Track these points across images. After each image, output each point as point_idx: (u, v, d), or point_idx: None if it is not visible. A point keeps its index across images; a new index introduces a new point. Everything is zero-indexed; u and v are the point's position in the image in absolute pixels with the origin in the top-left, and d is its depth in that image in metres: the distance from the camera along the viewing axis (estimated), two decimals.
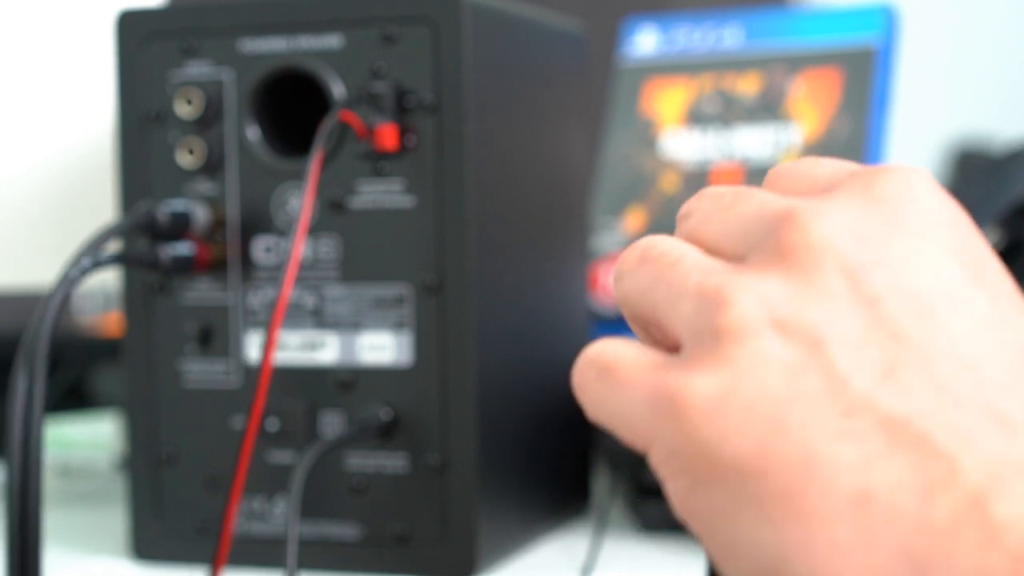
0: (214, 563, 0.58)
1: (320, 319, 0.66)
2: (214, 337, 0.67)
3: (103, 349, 0.96)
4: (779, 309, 0.31)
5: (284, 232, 0.66)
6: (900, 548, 0.28)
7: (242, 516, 0.67)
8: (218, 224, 0.66)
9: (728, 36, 0.91)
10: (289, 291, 0.65)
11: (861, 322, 0.31)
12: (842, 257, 0.31)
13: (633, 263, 0.35)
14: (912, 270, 0.31)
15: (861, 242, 0.32)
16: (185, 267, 0.65)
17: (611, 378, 0.33)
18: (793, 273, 0.31)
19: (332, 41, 0.65)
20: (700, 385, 0.31)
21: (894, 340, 0.30)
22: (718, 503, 0.30)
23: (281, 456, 0.66)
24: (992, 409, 0.29)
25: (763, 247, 0.32)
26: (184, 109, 0.66)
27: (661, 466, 0.32)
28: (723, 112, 0.89)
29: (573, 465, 0.75)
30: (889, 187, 0.33)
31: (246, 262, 0.66)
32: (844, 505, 0.28)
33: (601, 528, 0.71)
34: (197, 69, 0.67)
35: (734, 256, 0.34)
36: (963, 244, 0.32)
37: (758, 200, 0.34)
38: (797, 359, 0.30)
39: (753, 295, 0.31)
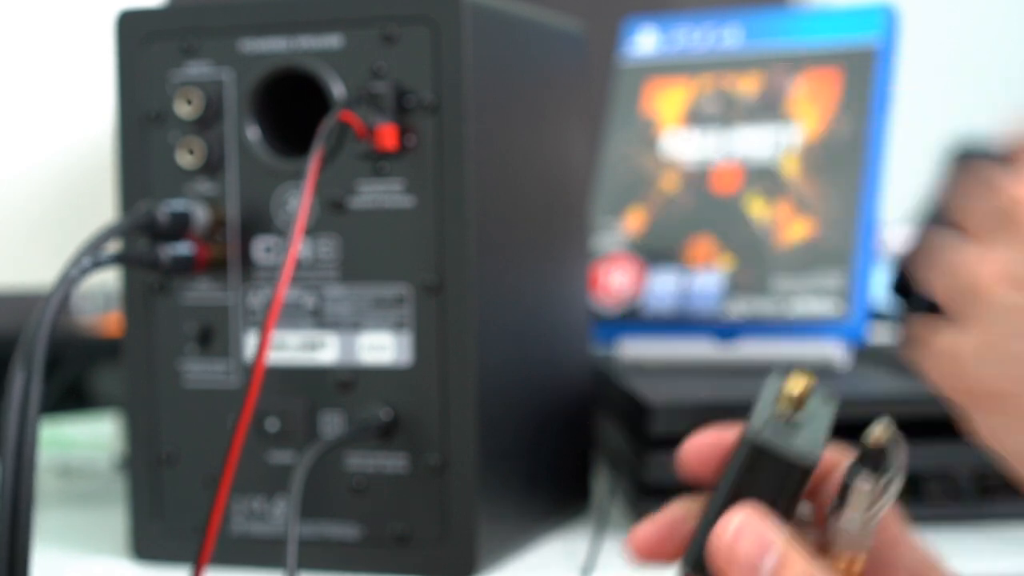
0: (198, 560, 0.58)
1: (320, 319, 0.66)
2: (214, 337, 0.67)
3: (103, 349, 0.96)
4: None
5: (284, 232, 0.66)
6: None
7: (242, 516, 0.67)
8: (218, 224, 0.66)
9: (728, 36, 0.91)
10: (285, 290, 0.65)
11: None
12: None
13: None
14: None
15: None
16: (185, 267, 0.65)
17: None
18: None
19: (332, 41, 0.65)
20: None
21: None
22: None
23: (281, 456, 0.66)
24: None
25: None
26: (184, 109, 0.66)
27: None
28: (723, 112, 0.89)
29: (573, 465, 0.75)
30: None
31: (246, 262, 0.66)
32: None
33: (601, 528, 0.71)
34: (197, 69, 0.67)
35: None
36: None
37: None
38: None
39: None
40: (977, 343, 0.41)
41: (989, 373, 0.40)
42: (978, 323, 0.41)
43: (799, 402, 0.43)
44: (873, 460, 0.42)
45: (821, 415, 0.45)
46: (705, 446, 0.46)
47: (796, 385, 0.43)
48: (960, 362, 0.41)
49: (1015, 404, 0.40)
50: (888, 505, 0.42)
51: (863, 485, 0.42)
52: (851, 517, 0.42)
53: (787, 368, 0.45)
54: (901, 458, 0.42)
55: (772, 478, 0.42)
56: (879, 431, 0.42)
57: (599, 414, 0.83)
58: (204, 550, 0.57)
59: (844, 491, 0.43)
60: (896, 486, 0.42)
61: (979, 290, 0.41)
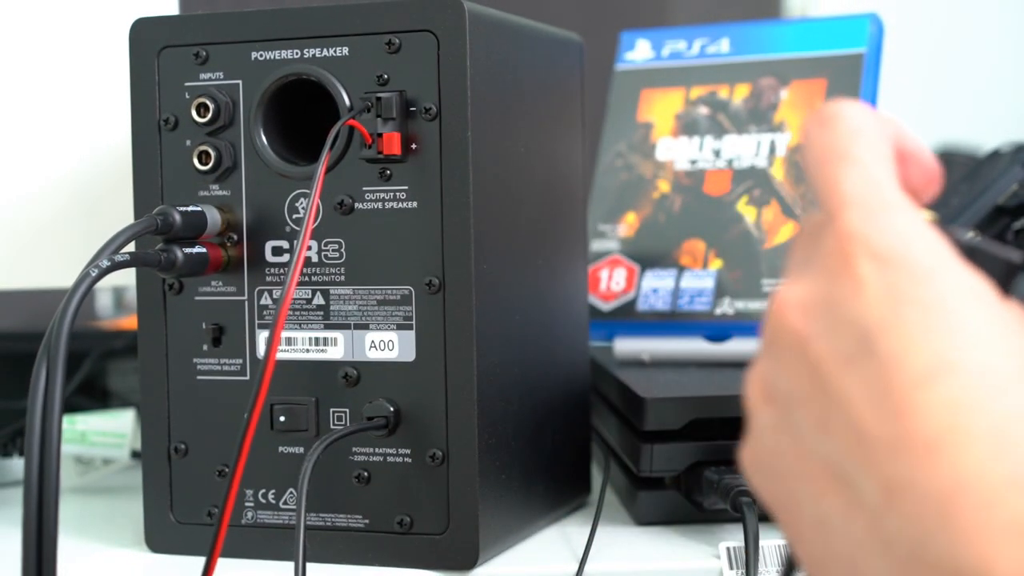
0: (211, 550, 0.59)
1: (328, 318, 0.68)
2: (226, 335, 0.69)
3: (124, 348, 0.98)
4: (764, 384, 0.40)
5: (294, 235, 0.68)
6: (848, 559, 0.36)
7: (252, 506, 0.69)
8: (230, 227, 0.69)
9: (720, 48, 0.94)
10: (294, 290, 0.68)
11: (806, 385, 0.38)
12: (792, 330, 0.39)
13: None
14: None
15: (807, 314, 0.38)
16: (199, 268, 0.67)
17: None
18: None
19: (340, 51, 0.67)
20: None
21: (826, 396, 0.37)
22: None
23: (290, 449, 0.68)
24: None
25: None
26: (197, 116, 0.69)
27: None
28: (715, 120, 0.92)
29: (573, 458, 0.77)
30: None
31: (257, 263, 0.69)
32: (809, 518, 0.37)
33: (600, 520, 0.73)
34: (210, 77, 0.69)
35: None
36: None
37: None
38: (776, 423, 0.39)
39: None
40: (746, 458, 0.40)
41: (758, 486, 0.39)
42: (747, 437, 0.40)
43: None
44: None
45: None
46: None
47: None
48: (744, 472, 0.40)
49: (780, 519, 0.39)
50: None
51: None
52: None
53: None
54: None
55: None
56: None
57: (595, 408, 0.85)
58: (217, 540, 0.59)
59: None
60: None
61: (747, 405, 0.40)
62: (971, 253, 0.40)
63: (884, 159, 0.40)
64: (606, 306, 0.89)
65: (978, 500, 0.33)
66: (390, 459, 0.67)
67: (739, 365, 0.83)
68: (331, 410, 0.68)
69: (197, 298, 0.70)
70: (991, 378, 0.35)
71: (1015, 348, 0.36)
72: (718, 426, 0.71)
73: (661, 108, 0.94)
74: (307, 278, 0.68)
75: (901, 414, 0.35)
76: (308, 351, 0.68)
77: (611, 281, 0.89)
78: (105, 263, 0.61)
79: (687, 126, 0.92)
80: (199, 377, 0.70)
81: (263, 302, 0.69)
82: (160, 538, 0.71)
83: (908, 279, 0.37)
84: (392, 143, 0.65)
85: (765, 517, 0.64)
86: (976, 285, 0.37)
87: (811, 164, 0.41)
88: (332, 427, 0.68)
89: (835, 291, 0.38)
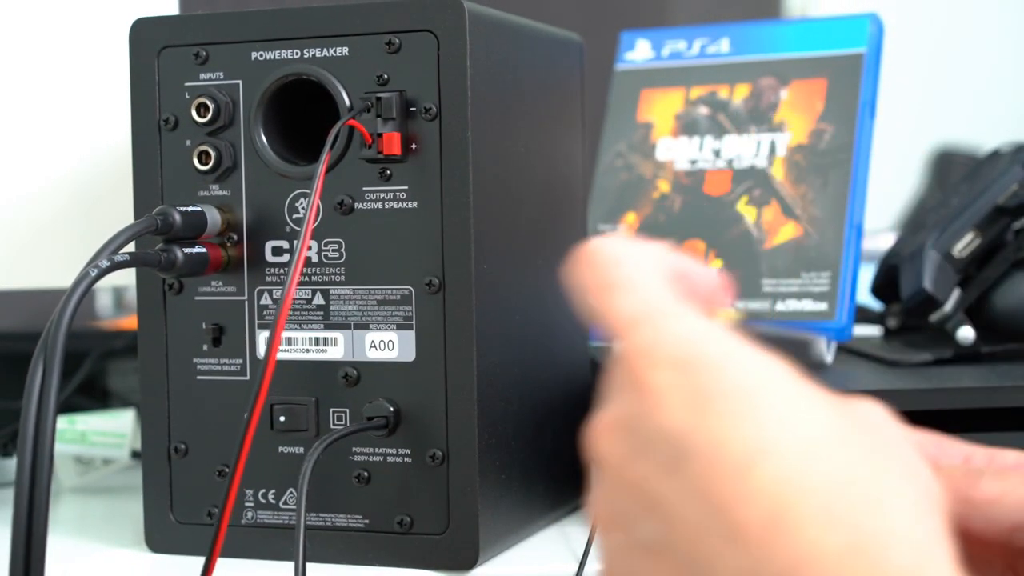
0: (211, 550, 0.59)
1: (328, 318, 0.68)
2: (226, 335, 0.69)
3: (124, 348, 0.98)
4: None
5: (294, 235, 0.68)
6: None
7: (252, 506, 0.69)
8: (231, 227, 0.69)
9: (720, 48, 0.94)
10: (294, 290, 0.68)
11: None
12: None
13: None
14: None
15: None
16: (199, 268, 0.67)
17: None
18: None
19: (340, 51, 0.67)
20: None
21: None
22: None
23: (290, 448, 0.68)
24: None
25: None
26: (197, 116, 0.69)
27: None
28: (715, 120, 0.92)
29: (574, 459, 0.77)
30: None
31: (257, 263, 0.69)
32: None
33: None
34: (210, 77, 0.69)
35: None
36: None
37: None
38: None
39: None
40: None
41: None
42: (602, 565, 0.40)
43: None
44: None
45: None
46: None
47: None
48: None
49: None
50: None
51: None
52: None
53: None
54: None
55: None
56: None
57: (595, 408, 0.85)
58: (217, 540, 0.59)
59: None
60: None
61: (595, 533, 0.41)
62: (770, 341, 0.41)
63: (652, 278, 0.42)
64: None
65: (821, 574, 0.34)
66: (390, 459, 0.67)
67: None
68: (331, 410, 0.68)
69: (197, 298, 0.70)
70: (806, 453, 0.36)
71: (821, 419, 0.37)
72: None
73: (661, 108, 0.94)
74: (307, 278, 0.68)
75: (730, 508, 0.36)
76: (308, 351, 0.68)
77: None
78: (105, 263, 0.61)
79: (687, 126, 0.92)
80: (199, 377, 0.70)
81: (263, 302, 0.69)
82: (160, 538, 0.71)
83: (702, 377, 0.38)
84: (392, 143, 0.65)
85: None
86: (772, 366, 0.38)
87: (587, 303, 0.42)
88: (332, 427, 0.68)
89: (637, 408, 0.38)
